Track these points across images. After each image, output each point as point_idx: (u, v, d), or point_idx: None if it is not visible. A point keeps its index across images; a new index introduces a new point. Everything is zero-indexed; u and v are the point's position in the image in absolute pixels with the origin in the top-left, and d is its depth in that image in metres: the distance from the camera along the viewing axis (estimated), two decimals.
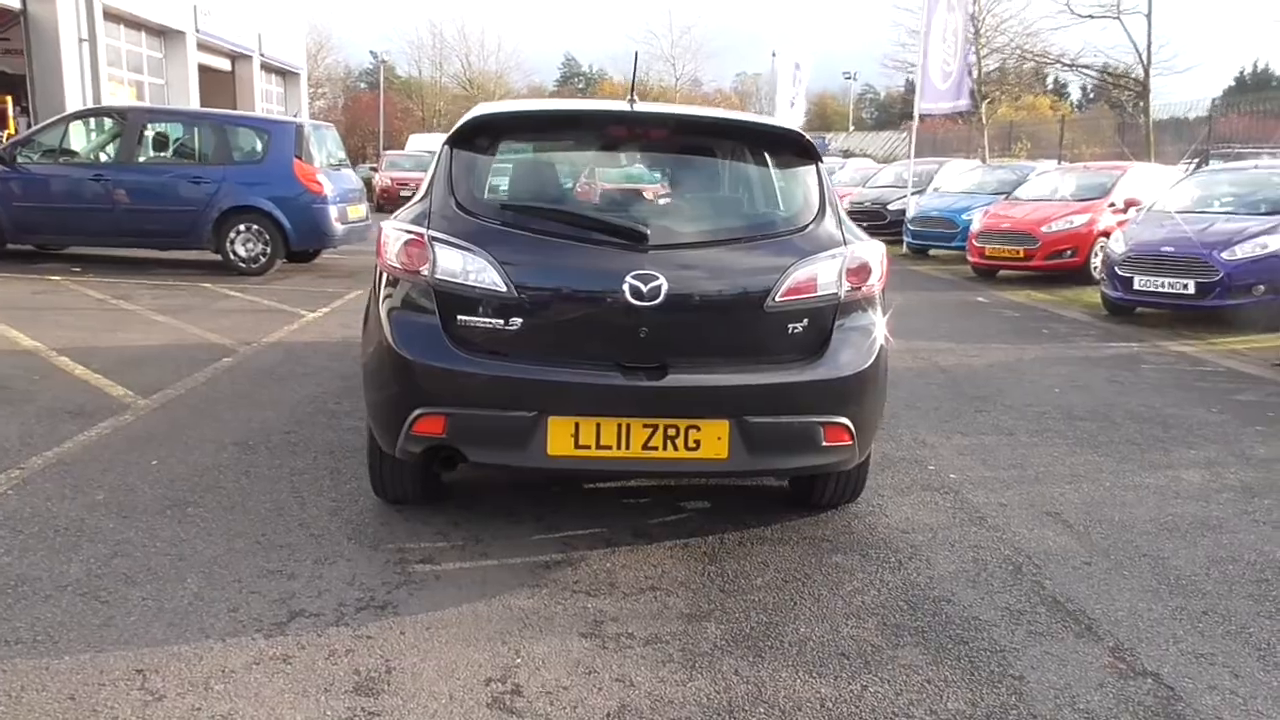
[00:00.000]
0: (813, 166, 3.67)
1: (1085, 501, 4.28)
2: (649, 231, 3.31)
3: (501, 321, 3.29)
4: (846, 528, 3.90)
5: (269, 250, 11.15)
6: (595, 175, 3.90)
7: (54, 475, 4.17)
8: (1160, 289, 9.57)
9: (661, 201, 3.64)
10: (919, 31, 28.77)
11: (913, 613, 3.16)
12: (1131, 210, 12.22)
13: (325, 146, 11.87)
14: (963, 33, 19.25)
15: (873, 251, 3.53)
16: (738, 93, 59.16)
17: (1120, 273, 9.89)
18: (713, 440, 3.28)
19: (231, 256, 11.09)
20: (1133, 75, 20.82)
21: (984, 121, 25.89)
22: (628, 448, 3.26)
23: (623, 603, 3.17)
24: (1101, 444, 5.22)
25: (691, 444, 3.27)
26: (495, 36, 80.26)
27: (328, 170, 11.62)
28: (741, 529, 3.82)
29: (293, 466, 4.42)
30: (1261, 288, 9.17)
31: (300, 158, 11.10)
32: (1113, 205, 13.11)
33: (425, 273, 3.36)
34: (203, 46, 23.82)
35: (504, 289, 3.28)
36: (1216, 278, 9.19)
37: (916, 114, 19.11)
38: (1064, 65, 22.47)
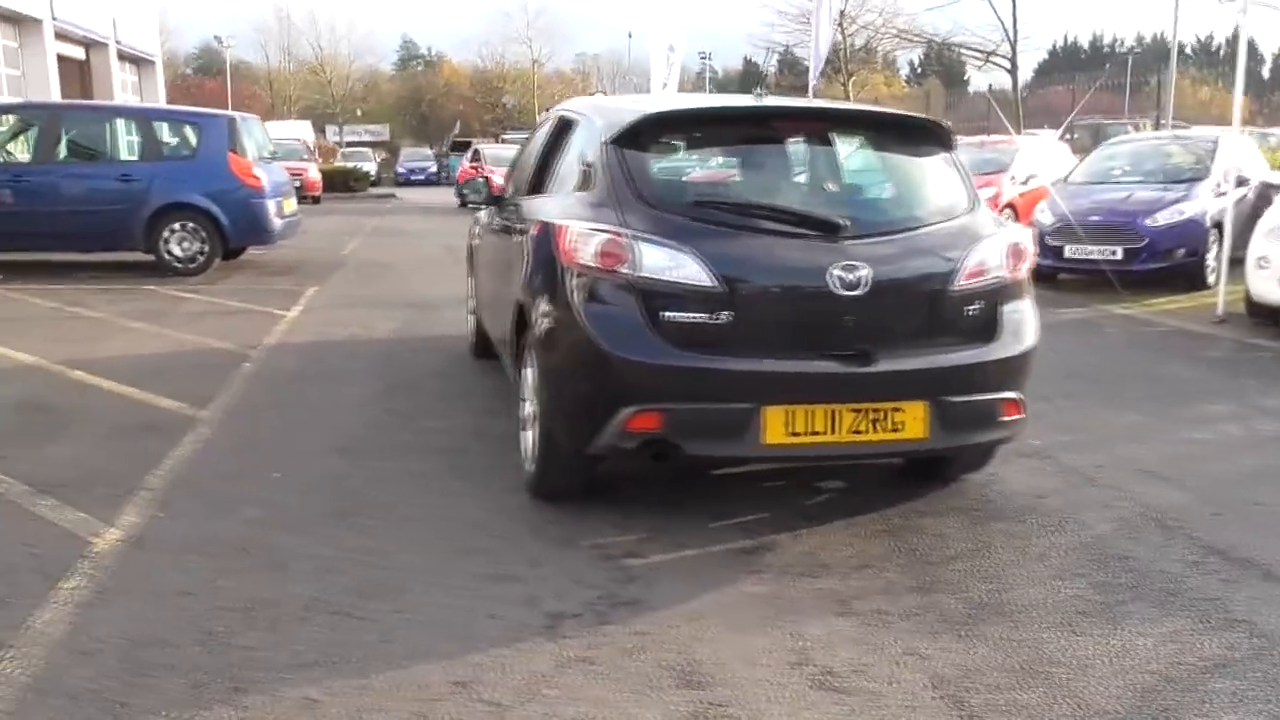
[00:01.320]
0: (951, 155, 3.89)
1: (1165, 458, 4.67)
2: (845, 223, 3.44)
3: (708, 315, 3.37)
4: (983, 497, 4.15)
5: (207, 249, 10.61)
6: (771, 168, 3.98)
7: (185, 496, 3.98)
8: (1090, 256, 10.29)
9: (834, 192, 3.77)
10: (785, 12, 29.61)
11: (1107, 570, 3.43)
12: (1032, 182, 13.08)
13: (255, 138, 11.35)
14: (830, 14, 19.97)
15: (1025, 235, 3.79)
16: (578, 74, 58.82)
17: (1050, 242, 10.56)
18: (913, 421, 3.46)
19: (166, 256, 10.50)
20: (1000, 52, 22.08)
21: (850, 99, 26.94)
22: (837, 433, 3.41)
23: (848, 582, 3.32)
24: (1130, 404, 5.67)
25: (895, 425, 3.45)
26: (346, 20, 77.17)
27: (262, 163, 11.13)
28: (889, 505, 4.01)
29: (411, 470, 4.35)
30: (1181, 251, 10.03)
31: (235, 151, 10.59)
32: (1013, 178, 13.97)
33: (626, 270, 3.39)
34: (59, 35, 22.08)
35: (710, 284, 3.35)
36: (1143, 243, 9.97)
37: (811, 92, 19.68)
38: (936, 43, 23.55)
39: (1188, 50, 73.26)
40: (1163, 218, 10.07)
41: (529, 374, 4.08)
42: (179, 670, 2.67)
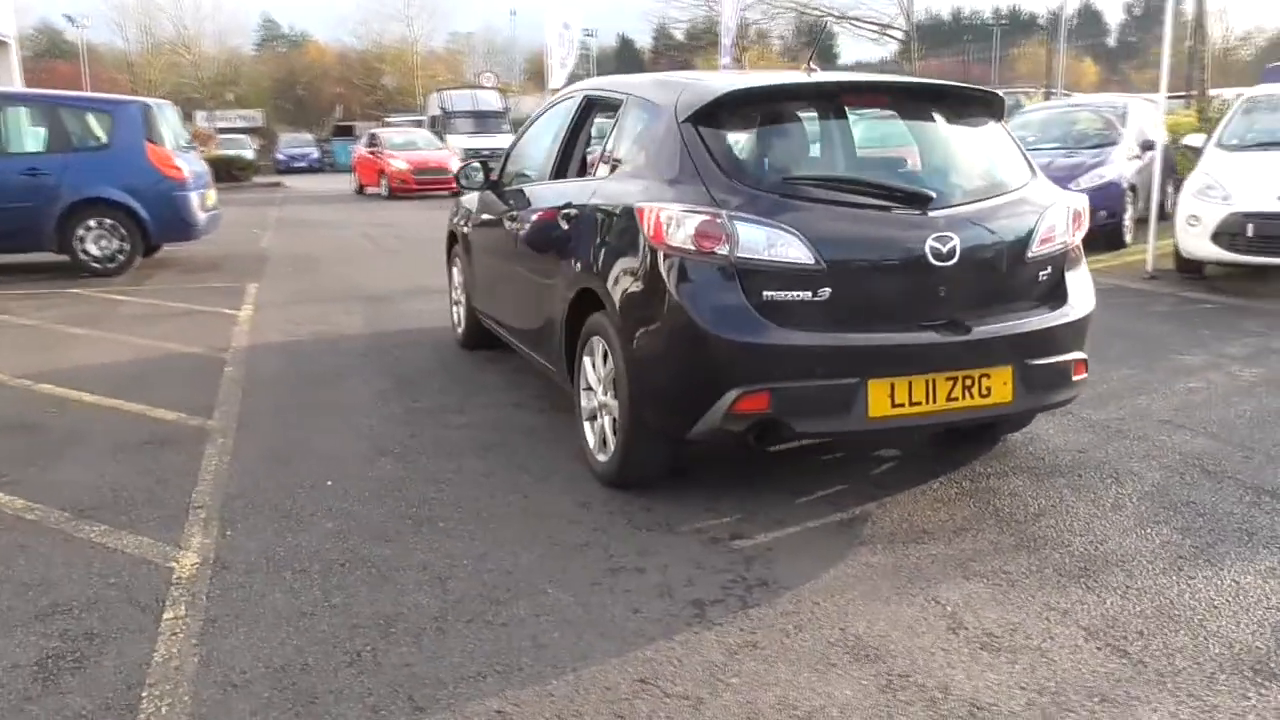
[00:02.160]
0: (1003, 125, 3.99)
1: (1173, 408, 4.95)
2: (934, 194, 3.50)
3: (810, 293, 3.38)
4: (1032, 454, 4.32)
5: (127, 247, 10.01)
6: (849, 142, 3.99)
7: (245, 512, 3.78)
8: None
9: (913, 164, 3.82)
10: None
11: (1181, 516, 3.62)
12: None
13: (171, 126, 10.73)
14: None
15: (1083, 201, 3.93)
16: (451, 53, 57.50)
17: None
18: (1000, 385, 3.56)
19: (82, 256, 9.87)
20: (896, 25, 22.72)
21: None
22: (935, 401, 3.48)
23: (955, 545, 3.41)
24: (1115, 360, 5.95)
25: (984, 391, 3.54)
26: None
27: (181, 153, 10.54)
28: (953, 469, 4.13)
29: (466, 469, 4.24)
30: (1103, 213, 10.55)
31: (153, 140, 10.00)
32: None
33: (723, 251, 3.37)
34: None
35: (811, 261, 3.36)
36: None
37: (720, 67, 19.86)
38: (837, 18, 24.06)
39: (1039, 21, 76.89)
40: (1085, 182, 10.55)
41: (593, 363, 4.01)
42: (347, 695, 2.55)
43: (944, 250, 3.44)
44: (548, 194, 4.70)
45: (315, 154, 39.51)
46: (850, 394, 3.38)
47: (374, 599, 3.07)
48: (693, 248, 3.40)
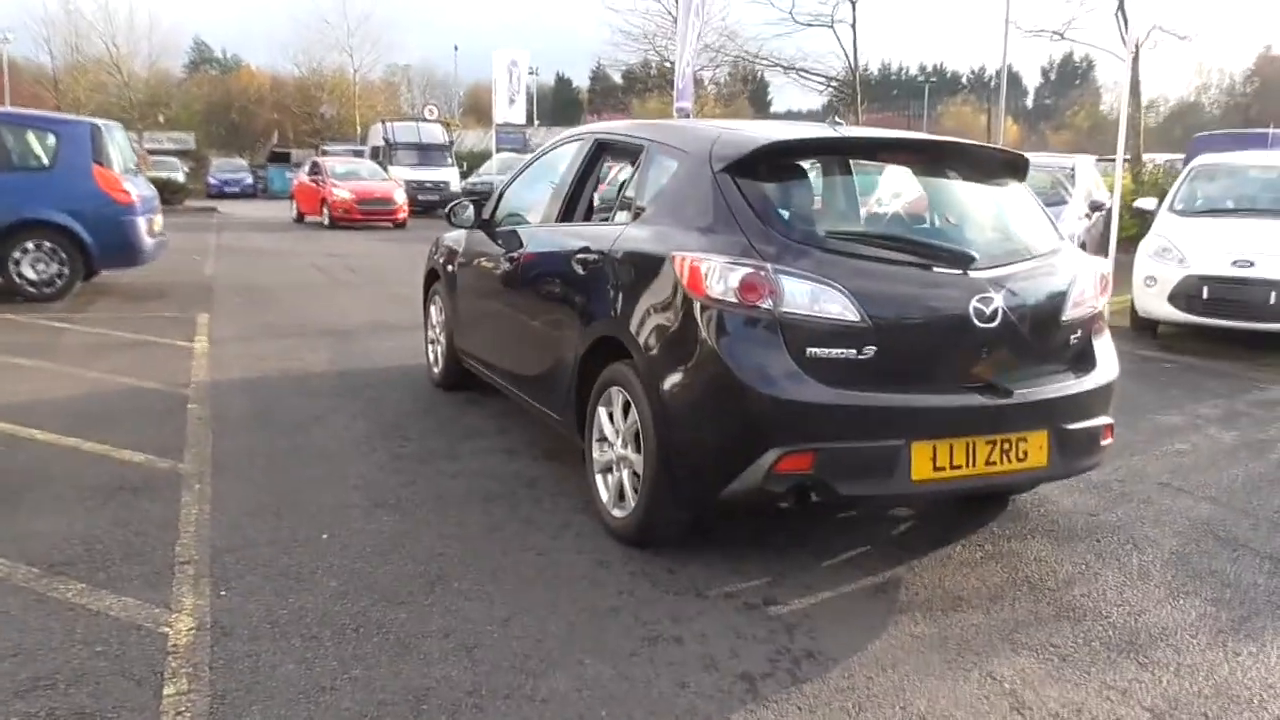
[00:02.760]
0: (1026, 187, 3.98)
1: (1171, 470, 4.97)
2: (976, 254, 3.45)
3: (854, 351, 3.29)
4: (1046, 516, 4.27)
5: (67, 271, 9.53)
6: (886, 199, 3.93)
7: (238, 569, 3.50)
8: None
9: (949, 223, 3.76)
10: (628, 32, 29.98)
11: (1208, 586, 3.60)
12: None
13: (120, 148, 10.29)
14: (694, 39, 20.45)
15: (1108, 266, 3.92)
16: (387, 83, 56.86)
17: None
18: (1036, 449, 3.50)
19: (17, 280, 9.36)
20: (844, 79, 23.20)
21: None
22: (974, 465, 3.40)
23: (995, 615, 3.32)
24: None
25: (1021, 454, 3.48)
26: (146, 14, 70.95)
27: (129, 175, 10.12)
28: (971, 531, 4.06)
29: (471, 524, 4.02)
30: None
31: (100, 163, 9.57)
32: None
33: (766, 305, 3.26)
34: None
35: (856, 318, 3.27)
36: None
37: (675, 111, 19.96)
38: (784, 68, 24.48)
39: (963, 80, 79.67)
40: None
41: (610, 414, 3.85)
42: None
43: (987, 312, 3.38)
44: (557, 237, 4.54)
45: (249, 179, 38.64)
46: (894, 456, 3.28)
47: (398, 670, 2.84)
48: (735, 300, 3.28)
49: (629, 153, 4.36)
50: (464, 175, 29.61)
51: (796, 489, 3.27)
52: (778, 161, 3.60)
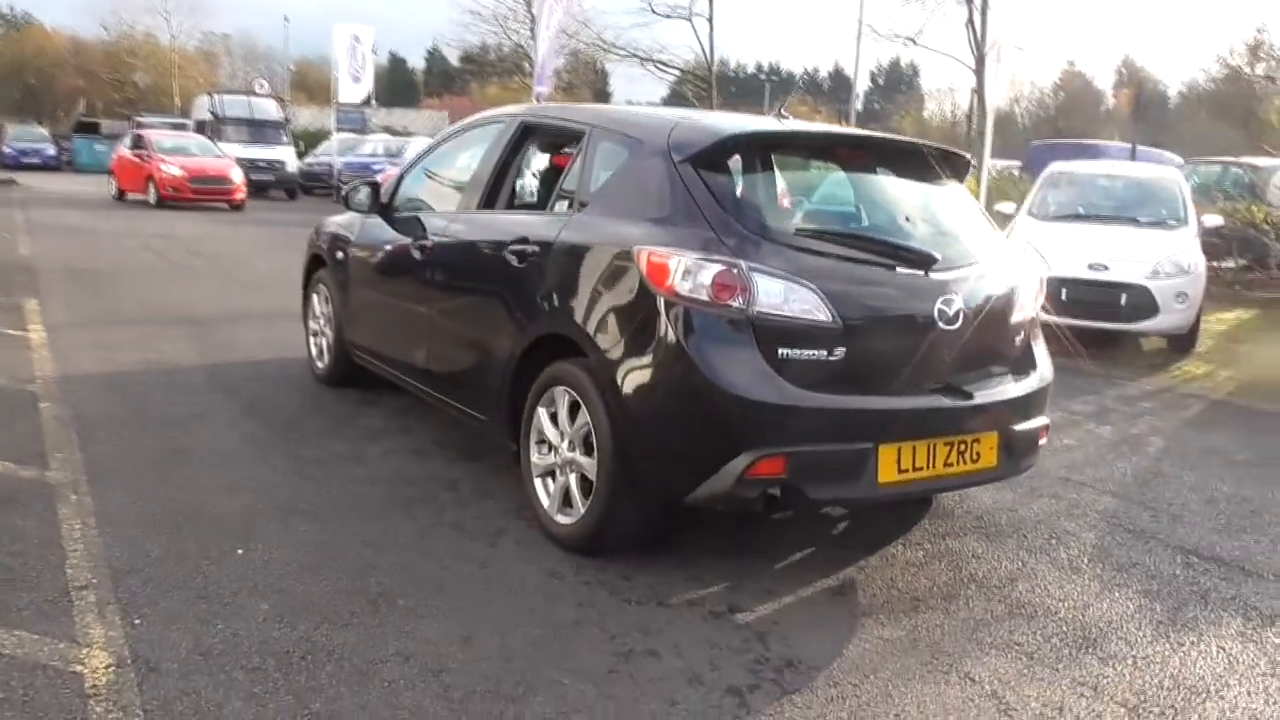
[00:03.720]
0: (964, 187, 4.04)
1: (1067, 465, 5.19)
2: (939, 255, 3.45)
3: (825, 353, 3.22)
4: (970, 513, 4.37)
5: None
6: (849, 198, 3.83)
7: (147, 594, 3.11)
8: None
9: (908, 224, 3.74)
10: (478, 13, 29.31)
11: (1135, 579, 3.76)
12: None
13: None
14: (554, 24, 20.24)
15: (1045, 269, 4.02)
16: (204, 53, 53.31)
17: None
18: (988, 450, 3.55)
19: None
20: (700, 74, 23.46)
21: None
22: (934, 467, 3.41)
23: (953, 616, 3.34)
24: None
25: (975, 456, 3.52)
26: None
27: None
28: (903, 531, 4.10)
29: (400, 532, 3.74)
30: None
31: None
32: None
33: (738, 304, 3.15)
34: None
35: (828, 319, 3.21)
36: None
37: (535, 95, 19.62)
38: (641, 59, 24.52)
39: (797, 80, 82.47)
40: None
41: (554, 415, 3.66)
42: None
43: (950, 313, 3.40)
44: (482, 226, 4.28)
45: (51, 150, 35.30)
46: (863, 459, 3.24)
47: (363, 702, 2.57)
48: (706, 299, 3.15)
49: (565, 138, 4.15)
50: (301, 155, 28.15)
51: (766, 493, 3.18)
52: (743, 154, 3.49)
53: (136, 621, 2.91)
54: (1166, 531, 4.27)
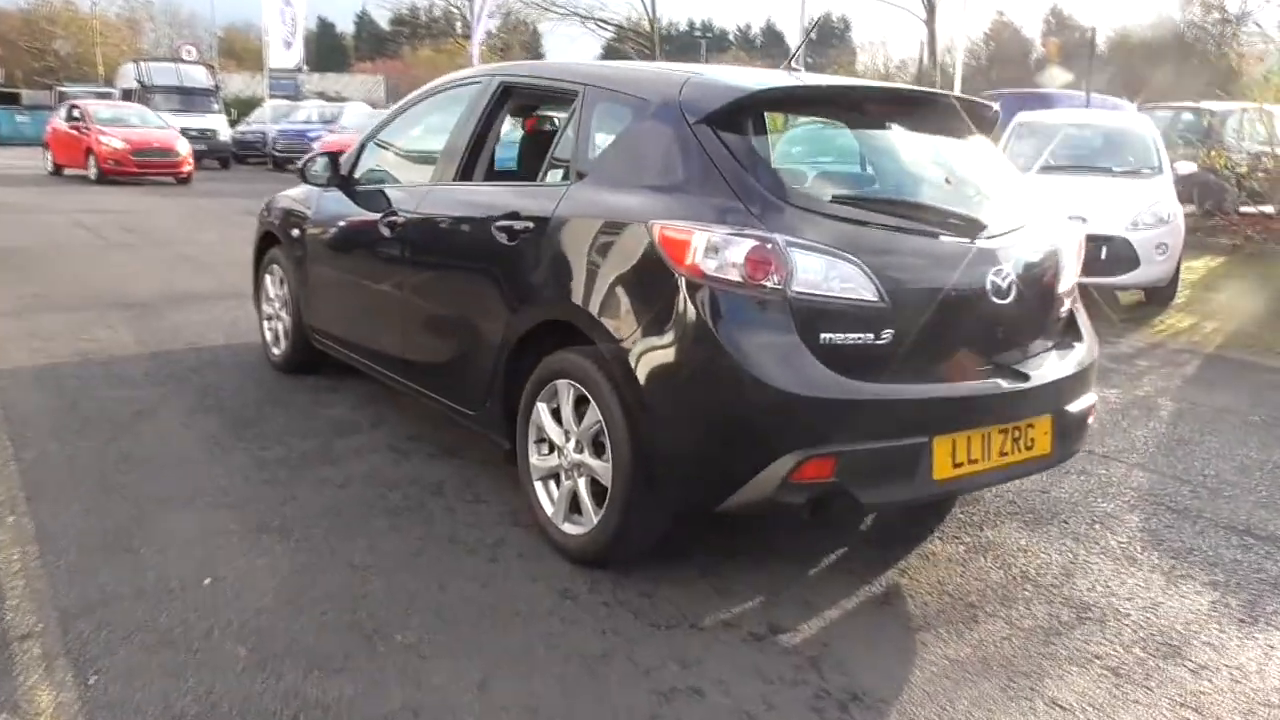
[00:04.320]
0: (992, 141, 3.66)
1: (1121, 448, 4.89)
2: (987, 221, 3.06)
3: (871, 336, 2.84)
4: (1001, 496, 4.04)
5: None
6: (887, 158, 3.41)
7: (101, 643, 2.65)
8: None
9: (949, 186, 3.34)
10: None
11: (1195, 566, 3.46)
12: None
13: None
14: None
15: (1083, 230, 3.67)
16: (126, 20, 50.89)
17: None
18: (1042, 436, 3.21)
19: None
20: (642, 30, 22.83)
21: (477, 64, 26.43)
22: (990, 458, 3.06)
23: (1016, 623, 3.01)
24: None
25: (1029, 443, 3.17)
26: None
27: None
28: (936, 522, 3.77)
29: (384, 550, 3.30)
30: None
31: None
32: None
33: (773, 284, 2.74)
34: None
35: (874, 298, 2.82)
36: None
37: (475, 60, 18.92)
38: (583, 17, 23.79)
39: (729, 37, 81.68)
40: None
41: (557, 412, 3.24)
42: None
43: (1003, 285, 3.03)
44: (462, 200, 3.81)
45: None
46: (917, 455, 2.87)
47: None
48: (738, 278, 2.74)
49: (554, 99, 3.69)
50: (233, 124, 27.03)
51: (814, 499, 2.79)
52: (769, 112, 3.06)
53: (91, 679, 2.46)
54: (1211, 509, 3.99)
